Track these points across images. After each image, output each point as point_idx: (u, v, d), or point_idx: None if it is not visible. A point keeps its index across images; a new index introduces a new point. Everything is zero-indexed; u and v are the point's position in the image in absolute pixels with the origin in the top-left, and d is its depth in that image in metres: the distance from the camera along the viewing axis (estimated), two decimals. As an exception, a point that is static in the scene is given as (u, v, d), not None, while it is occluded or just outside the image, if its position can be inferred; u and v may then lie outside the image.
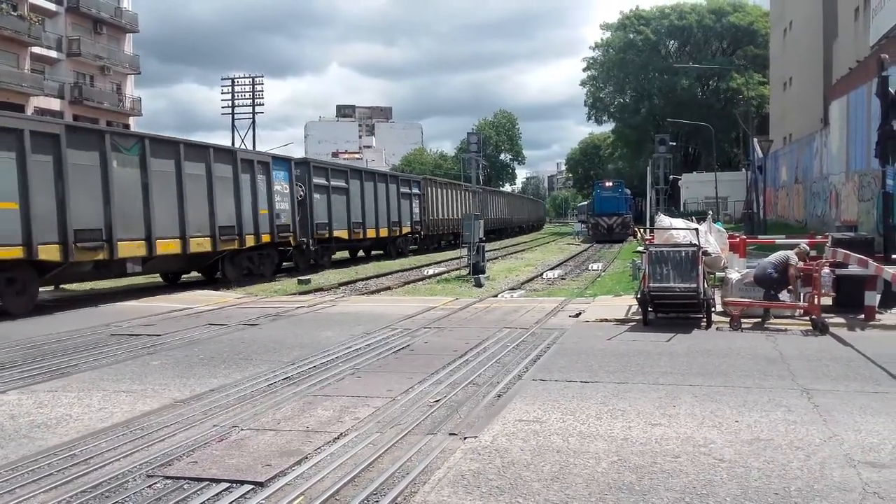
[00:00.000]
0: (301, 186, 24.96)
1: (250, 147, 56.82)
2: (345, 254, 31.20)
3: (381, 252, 33.58)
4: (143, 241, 17.40)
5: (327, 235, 26.65)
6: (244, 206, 21.21)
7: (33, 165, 14.66)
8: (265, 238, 22.20)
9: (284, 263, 25.52)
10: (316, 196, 25.85)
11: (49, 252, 15.03)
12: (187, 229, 18.72)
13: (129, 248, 16.98)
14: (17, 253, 14.42)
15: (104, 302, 16.54)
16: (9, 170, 14.30)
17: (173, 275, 21.41)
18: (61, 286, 18.51)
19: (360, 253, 32.98)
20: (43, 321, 13.98)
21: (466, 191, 39.18)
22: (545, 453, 5.69)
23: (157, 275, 21.19)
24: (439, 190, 40.85)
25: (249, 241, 21.43)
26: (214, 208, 19.82)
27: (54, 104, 46.59)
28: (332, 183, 27.20)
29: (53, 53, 48.26)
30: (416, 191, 36.53)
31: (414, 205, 35.88)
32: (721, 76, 69.06)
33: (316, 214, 25.76)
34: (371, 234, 30.34)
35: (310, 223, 25.26)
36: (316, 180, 25.98)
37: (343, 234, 27.95)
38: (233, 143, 55.86)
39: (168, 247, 18.17)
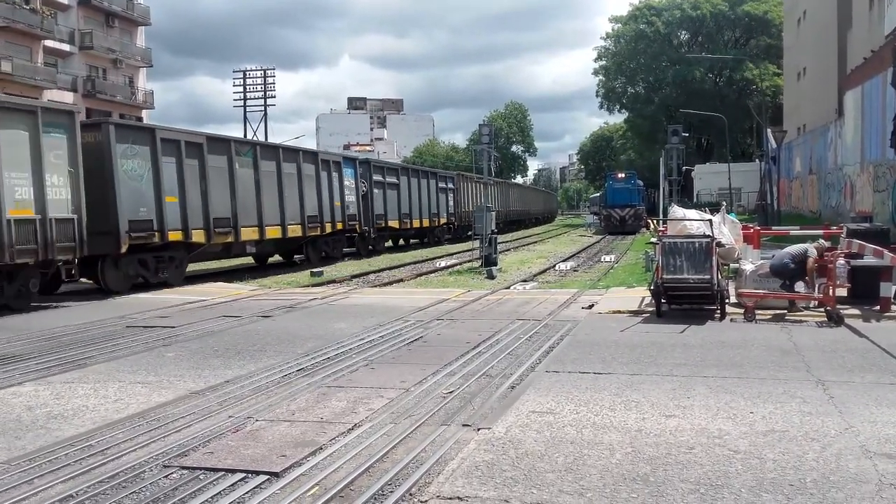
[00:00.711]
0: (364, 182, 29.41)
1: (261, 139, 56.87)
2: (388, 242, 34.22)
3: (419, 241, 37.10)
4: (256, 228, 21.60)
5: (383, 224, 31.30)
6: (324, 199, 25.46)
7: (187, 168, 18.75)
8: (339, 226, 26.73)
9: (346, 248, 29.03)
10: (375, 191, 30.46)
11: (198, 235, 19.17)
12: (285, 218, 22.93)
13: (248, 233, 21.29)
14: (178, 236, 18.54)
15: (119, 295, 16.63)
16: (171, 172, 18.35)
17: (259, 258, 25.31)
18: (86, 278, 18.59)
19: (401, 241, 36.37)
20: (58, 313, 14.09)
21: (493, 185, 42.80)
22: (559, 444, 5.69)
23: (227, 259, 24.22)
24: (470, 184, 44.31)
25: (328, 228, 25.80)
26: (303, 201, 24.05)
27: (67, 97, 46.77)
28: (386, 179, 31.81)
29: (66, 47, 48.47)
30: (450, 185, 40.62)
31: (449, 198, 40.01)
32: (734, 67, 68.54)
33: (375, 206, 30.38)
34: (416, 224, 34.85)
35: (371, 214, 29.93)
36: (375, 177, 30.61)
37: (395, 223, 32.45)
38: (244, 136, 55.90)
39: (273, 232, 22.43)
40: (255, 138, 55.00)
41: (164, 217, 17.96)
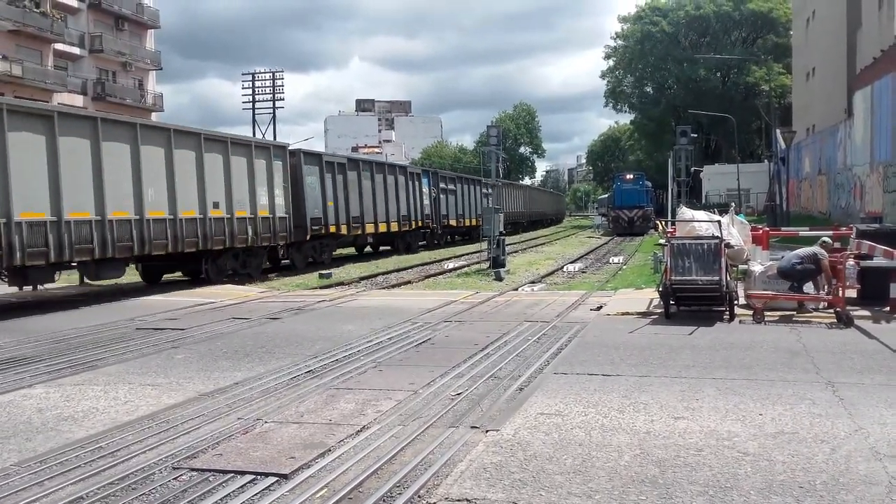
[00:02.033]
0: (434, 189, 37.28)
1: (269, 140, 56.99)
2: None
3: (468, 237, 42.29)
4: (373, 224, 29.68)
5: (446, 223, 39.20)
6: (410, 202, 33.74)
7: (338, 181, 26.98)
8: (419, 224, 34.82)
9: (420, 242, 35.47)
10: (441, 196, 38.11)
11: (343, 229, 27.09)
12: (389, 217, 31.08)
13: (369, 228, 29.54)
14: (333, 229, 26.28)
15: (128, 297, 16.71)
16: (330, 184, 26.27)
17: (360, 247, 32.47)
18: (86, 281, 18.73)
19: (456, 237, 43.07)
20: (68, 315, 14.16)
21: (521, 188, 54.89)
22: (567, 446, 5.69)
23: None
24: (506, 189, 49.86)
25: (413, 225, 34.00)
26: (399, 204, 32.25)
27: (77, 100, 47.01)
28: (448, 187, 39.63)
29: (76, 50, 48.70)
30: (491, 191, 43.52)
31: (490, 201, 45.74)
32: (741, 67, 68.37)
33: (441, 208, 38.19)
34: (467, 223, 42.20)
35: (438, 214, 37.77)
36: (441, 185, 38.34)
37: (454, 222, 40.47)
38: (253, 136, 55.98)
39: (382, 227, 30.57)
40: (263, 139, 55.06)
41: (327, 216, 25.72)
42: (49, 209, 14.86)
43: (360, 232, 28.56)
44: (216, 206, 19.69)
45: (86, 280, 18.48)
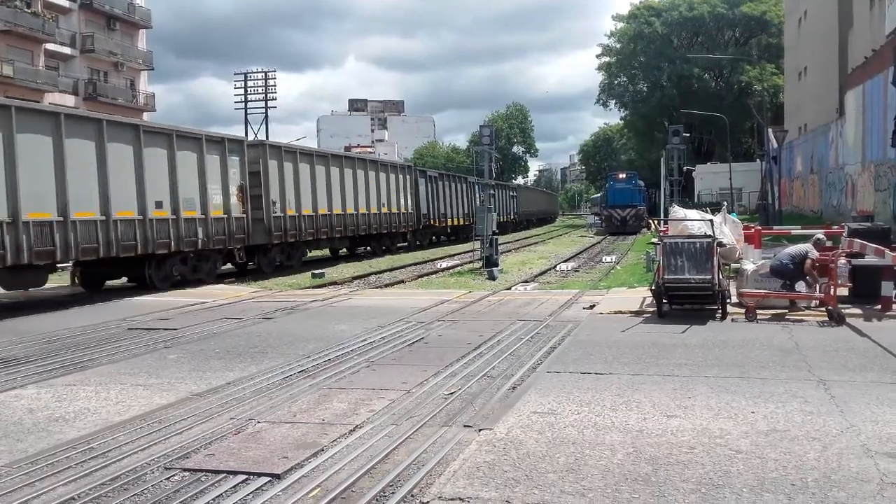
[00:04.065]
0: (478, 191, 42.86)
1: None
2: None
3: (502, 232, 48.52)
4: (445, 218, 40.24)
5: (429, 222, 40.28)
6: (465, 204, 43.70)
7: (430, 189, 38.21)
8: (468, 220, 42.08)
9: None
10: (490, 199, 45.68)
11: (431, 221, 37.76)
12: (457, 215, 42.07)
13: (450, 222, 41.15)
14: (435, 223, 38.24)
15: (120, 297, 16.64)
16: (437, 190, 38.71)
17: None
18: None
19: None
20: (61, 315, 14.10)
21: (542, 192, 75.08)
22: (560, 445, 5.69)
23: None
24: (524, 191, 66.10)
25: (467, 221, 42.22)
26: (463, 206, 43.33)
27: (69, 100, 46.80)
28: (492, 193, 42.82)
29: (67, 50, 48.49)
30: (514, 194, 60.94)
31: (513, 203, 59.01)
32: (733, 67, 68.58)
33: (423, 207, 39.68)
34: (453, 222, 45.90)
35: (419, 214, 40.48)
36: (490, 191, 42.93)
37: (436, 222, 42.74)
38: (245, 136, 55.91)
39: (457, 222, 42.33)
40: (256, 138, 55.00)
41: (439, 212, 39.09)
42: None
43: (443, 224, 35.45)
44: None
45: (76, 280, 17.97)
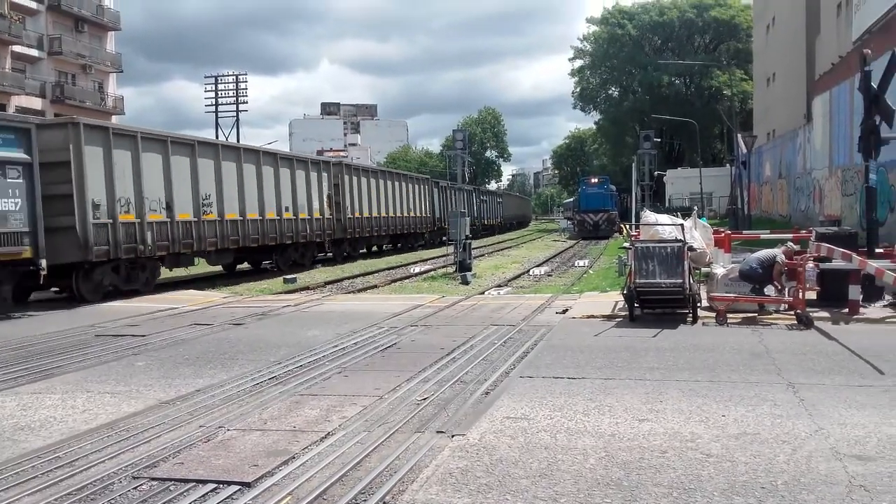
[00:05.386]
0: (475, 198, 53.92)
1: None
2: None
3: (490, 233, 59.24)
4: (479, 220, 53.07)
5: (485, 223, 56.43)
6: (468, 208, 47.91)
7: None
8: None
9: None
10: (482, 204, 55.88)
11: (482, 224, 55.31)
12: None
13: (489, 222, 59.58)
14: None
15: (87, 303, 16.40)
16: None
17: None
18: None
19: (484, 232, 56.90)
20: (27, 322, 13.86)
21: (516, 196, 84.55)
22: (533, 450, 5.68)
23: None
24: (507, 198, 75.36)
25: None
26: (465, 210, 42.36)
27: (36, 103, 46.17)
28: (483, 198, 56.77)
29: (35, 52, 47.81)
30: (500, 200, 69.33)
31: (499, 208, 66.91)
32: (703, 73, 69.38)
33: (481, 212, 55.81)
34: (487, 222, 58.25)
35: (483, 216, 56.44)
36: (482, 196, 56.72)
37: (489, 222, 59.68)
38: (216, 138, 55.53)
39: (485, 223, 56.70)
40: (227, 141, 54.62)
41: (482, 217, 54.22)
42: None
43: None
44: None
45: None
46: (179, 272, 21.84)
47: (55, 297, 17.40)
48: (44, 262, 15.11)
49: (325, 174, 28.43)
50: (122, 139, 17.91)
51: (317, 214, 27.06)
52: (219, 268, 24.24)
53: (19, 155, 14.90)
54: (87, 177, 16.60)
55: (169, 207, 19.20)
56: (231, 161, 22.04)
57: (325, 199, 27.80)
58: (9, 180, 14.63)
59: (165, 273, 20.94)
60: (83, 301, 16.48)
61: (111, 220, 17.20)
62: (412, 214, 39.20)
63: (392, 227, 35.84)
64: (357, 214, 31.02)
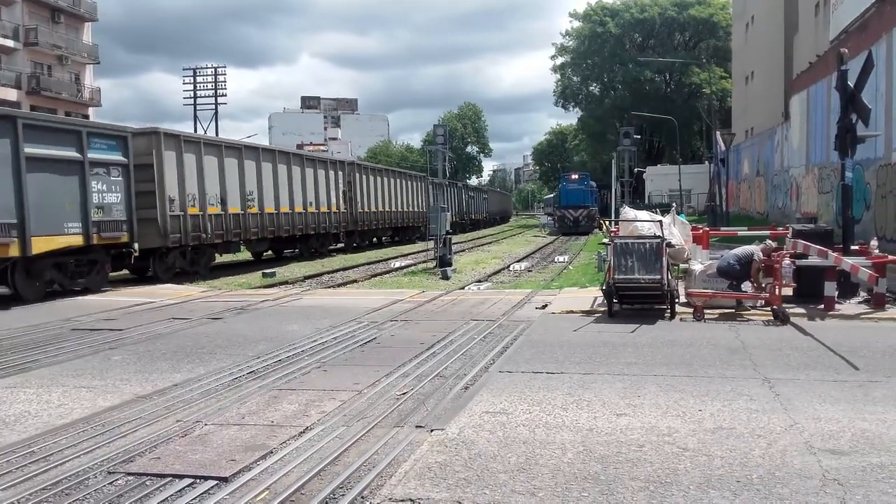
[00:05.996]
0: (465, 193, 57.63)
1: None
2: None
3: (477, 227, 62.59)
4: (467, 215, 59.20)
5: (472, 217, 60.58)
6: (457, 204, 51.88)
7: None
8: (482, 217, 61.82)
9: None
10: (470, 200, 58.72)
11: (470, 218, 62.01)
12: (453, 214, 41.96)
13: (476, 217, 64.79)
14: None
15: (63, 297, 16.23)
16: (464, 199, 57.60)
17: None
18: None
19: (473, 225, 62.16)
20: (2, 316, 13.69)
21: (497, 192, 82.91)
22: (512, 444, 5.70)
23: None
24: (492, 194, 79.05)
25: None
26: (455, 205, 50.00)
27: (11, 94, 45.52)
28: (471, 194, 60.25)
29: (10, 43, 47.14)
30: (486, 196, 72.63)
31: (486, 203, 70.65)
32: (683, 70, 69.81)
33: (469, 208, 59.89)
34: (474, 216, 62.02)
35: (471, 211, 60.98)
36: (470, 192, 59.84)
37: (476, 217, 62.79)
38: (195, 131, 55.13)
39: (472, 217, 61.95)
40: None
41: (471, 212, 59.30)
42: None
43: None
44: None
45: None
46: (226, 258, 25.30)
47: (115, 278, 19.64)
48: (136, 246, 18.37)
49: (340, 172, 31.74)
50: (189, 144, 21.31)
51: (334, 208, 30.47)
52: (248, 255, 27.73)
53: (120, 158, 17.88)
54: (166, 176, 19.92)
55: (223, 202, 22.59)
56: (268, 162, 25.32)
57: (340, 194, 31.30)
58: (112, 178, 17.56)
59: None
60: (157, 280, 19.64)
61: (182, 213, 20.56)
62: (410, 209, 42.58)
63: (394, 220, 39.32)
64: (366, 209, 34.61)
